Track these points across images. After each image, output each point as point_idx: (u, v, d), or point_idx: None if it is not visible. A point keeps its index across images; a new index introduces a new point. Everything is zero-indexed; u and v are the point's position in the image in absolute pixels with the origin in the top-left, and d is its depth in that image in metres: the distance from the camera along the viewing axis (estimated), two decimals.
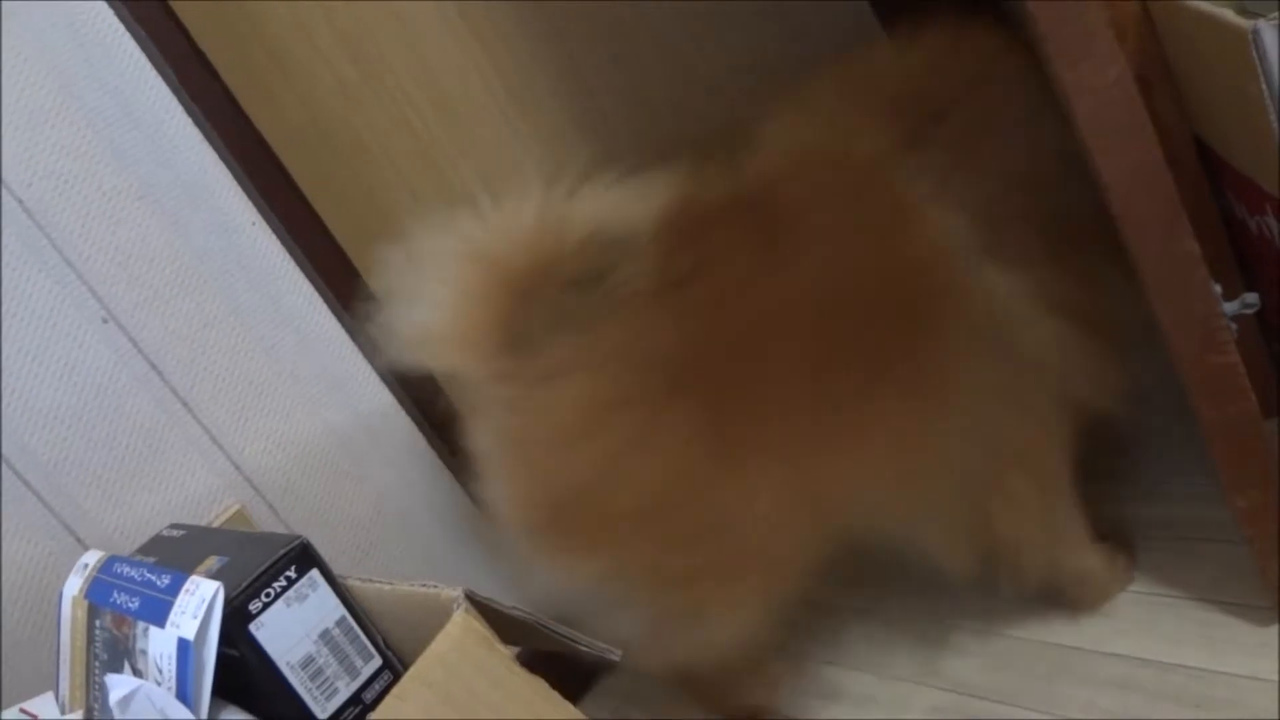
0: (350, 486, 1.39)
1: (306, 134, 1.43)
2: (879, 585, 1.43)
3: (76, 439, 1.20)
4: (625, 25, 1.71)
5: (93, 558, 0.95)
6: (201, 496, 1.27)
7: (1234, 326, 0.90)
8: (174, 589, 0.81)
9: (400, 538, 1.43)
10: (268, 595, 0.81)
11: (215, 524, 1.27)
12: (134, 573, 0.88)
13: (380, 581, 0.87)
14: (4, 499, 1.15)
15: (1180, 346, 0.91)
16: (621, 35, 1.71)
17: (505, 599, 0.84)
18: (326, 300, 1.36)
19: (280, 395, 1.33)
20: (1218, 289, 0.88)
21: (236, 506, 1.29)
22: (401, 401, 1.42)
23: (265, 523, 1.31)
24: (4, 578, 1.14)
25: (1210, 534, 1.20)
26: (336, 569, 0.90)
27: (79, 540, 1.18)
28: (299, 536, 0.83)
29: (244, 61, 1.37)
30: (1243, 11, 1.10)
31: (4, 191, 1.16)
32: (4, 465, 1.15)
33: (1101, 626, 1.19)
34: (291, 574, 0.82)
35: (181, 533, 1.01)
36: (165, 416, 1.25)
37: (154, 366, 1.25)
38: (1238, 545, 1.12)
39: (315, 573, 0.84)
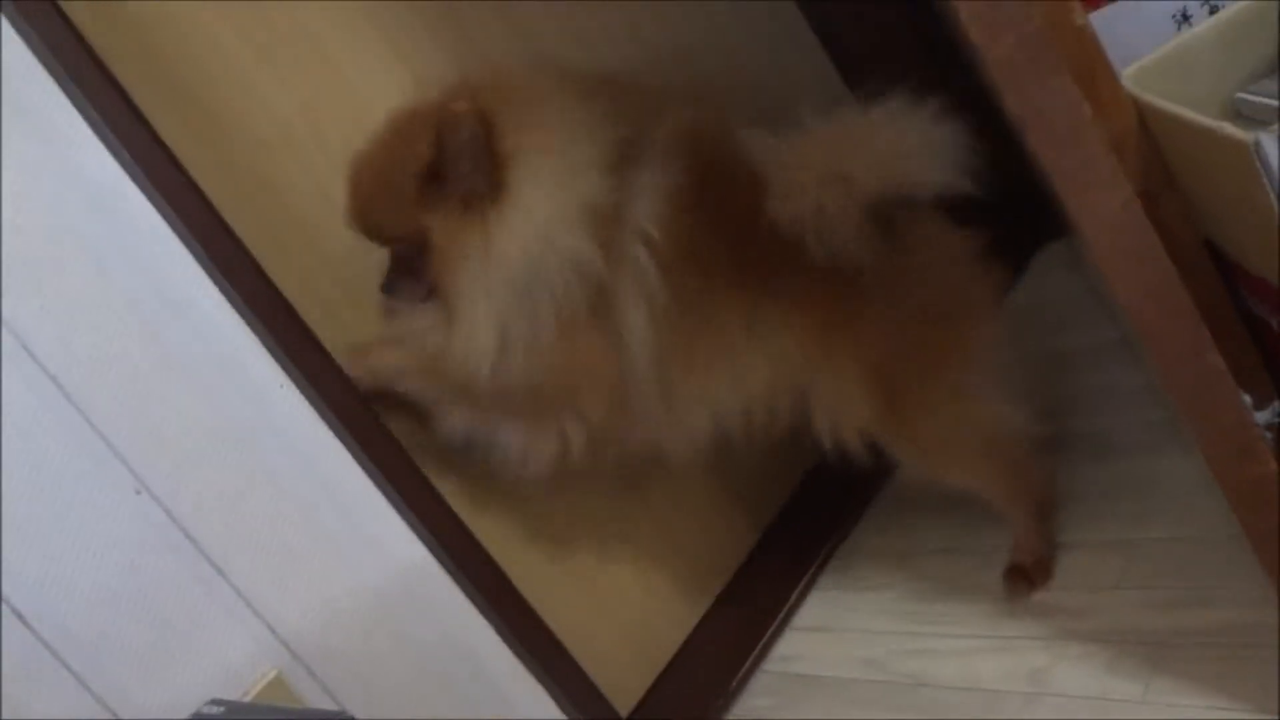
0: (389, 646, 1.38)
1: (332, 297, 1.46)
2: None
3: (114, 615, 1.20)
4: None
5: None
6: (239, 665, 1.26)
7: (1269, 435, 0.89)
8: None
9: (442, 696, 1.41)
10: None
11: (253, 692, 1.25)
12: None
13: None
14: (44, 683, 1.15)
15: (1216, 459, 0.90)
16: None
17: None
18: (357, 459, 1.37)
19: (316, 558, 1.33)
20: (1247, 400, 0.88)
21: (274, 673, 1.27)
22: (438, 556, 1.42)
23: (304, 688, 1.29)
24: None
25: (1270, 640, 1.17)
26: None
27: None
28: (344, 712, 0.82)
29: (270, 232, 1.41)
30: (1238, 110, 1.13)
31: (43, 376, 1.19)
32: (44, 649, 1.15)
33: None
34: None
35: (222, 709, 1.00)
36: (201, 586, 1.25)
37: (188, 535, 1.25)
38: None
39: None
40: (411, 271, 1.31)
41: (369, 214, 1.32)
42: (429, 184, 1.24)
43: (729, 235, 1.30)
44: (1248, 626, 1.21)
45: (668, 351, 1.29)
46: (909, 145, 1.24)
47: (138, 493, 1.24)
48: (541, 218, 1.22)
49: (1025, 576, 1.47)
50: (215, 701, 1.03)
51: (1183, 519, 1.41)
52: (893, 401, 1.35)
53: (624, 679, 1.62)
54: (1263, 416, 0.89)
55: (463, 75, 1.34)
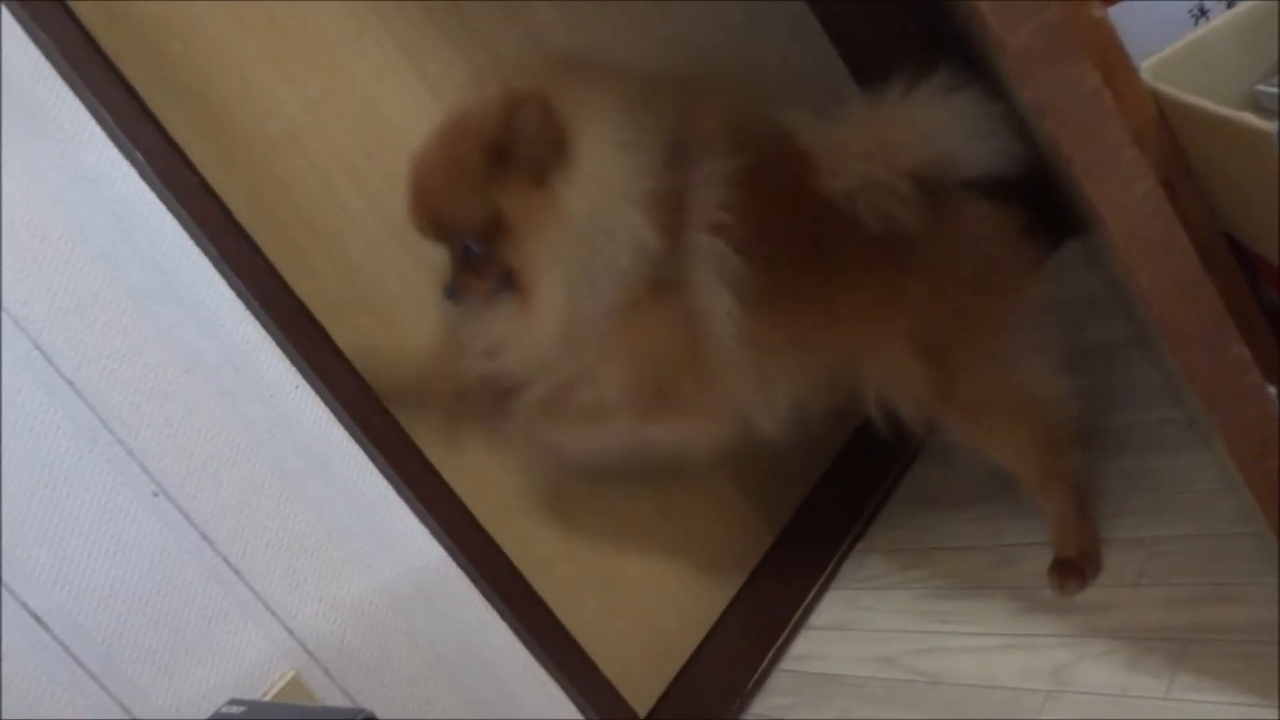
0: (404, 644, 1.37)
1: (343, 295, 1.46)
2: None
3: (131, 615, 1.20)
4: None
5: None
6: (256, 665, 1.26)
7: None
8: None
9: (457, 692, 1.40)
10: None
11: (271, 693, 1.25)
12: None
13: None
14: (60, 683, 1.15)
15: (1239, 453, 0.89)
16: None
17: None
18: (372, 458, 1.37)
19: (331, 557, 1.33)
20: (1272, 391, 0.87)
21: (291, 673, 1.27)
22: (453, 556, 1.41)
23: (320, 688, 1.29)
24: None
25: None
26: None
27: None
28: (363, 710, 0.82)
29: (280, 231, 1.41)
30: (1258, 102, 1.12)
31: (57, 375, 1.19)
32: (61, 649, 1.15)
33: None
34: None
35: (241, 709, 1.00)
36: (218, 586, 1.25)
37: (205, 537, 1.25)
38: None
39: None
40: (477, 269, 1.30)
41: (438, 202, 1.30)
42: (497, 164, 1.24)
43: (791, 216, 1.32)
44: (1270, 623, 1.20)
45: (754, 332, 1.30)
46: (951, 124, 1.29)
47: (155, 495, 1.24)
48: (605, 186, 1.23)
49: (1074, 570, 1.44)
50: (235, 701, 1.02)
51: (1203, 515, 1.40)
52: (936, 367, 1.37)
53: (641, 678, 1.61)
54: None
55: (518, 65, 1.37)
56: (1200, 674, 1.20)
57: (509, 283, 1.28)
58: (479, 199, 1.26)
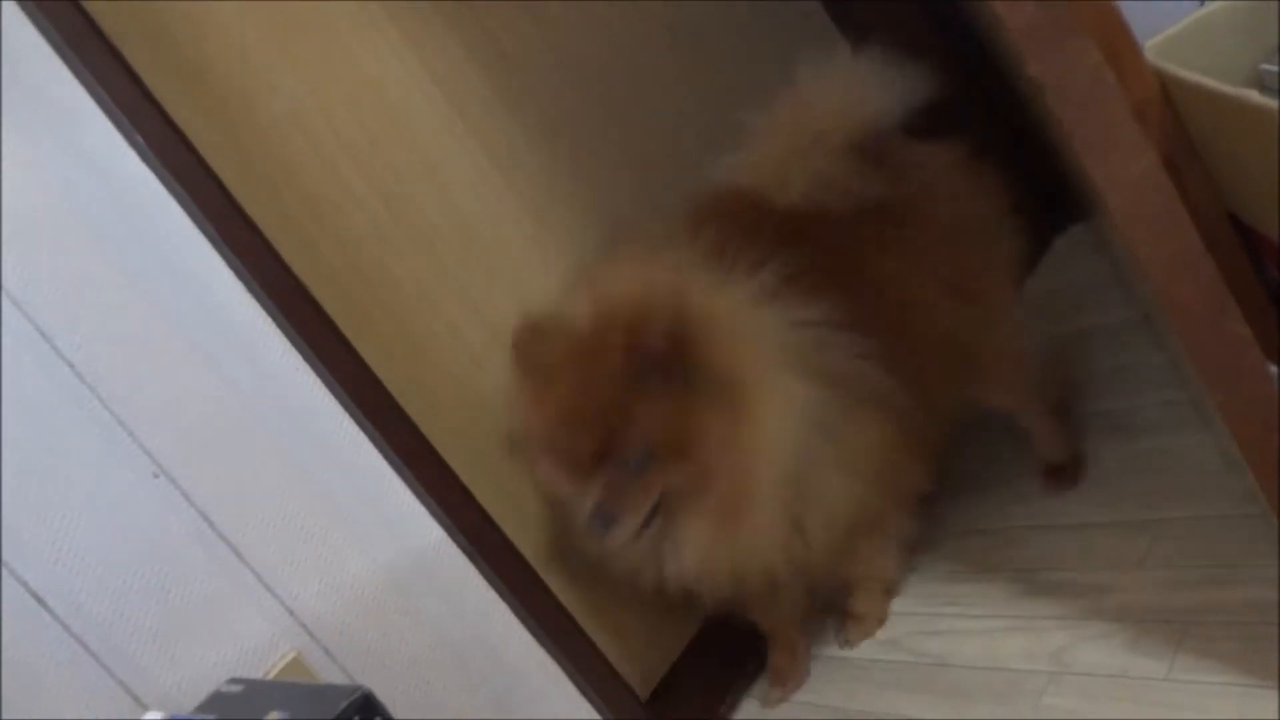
0: (404, 624, 1.38)
1: (343, 275, 1.46)
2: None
3: (131, 595, 1.20)
4: (648, 152, 1.76)
5: (154, 719, 0.94)
6: (257, 645, 1.26)
7: None
8: None
9: (458, 672, 1.41)
10: None
11: (272, 673, 1.26)
12: None
13: None
14: (59, 662, 1.15)
15: (1239, 431, 0.89)
16: (642, 161, 1.76)
17: None
18: (371, 437, 1.37)
19: (331, 537, 1.33)
20: (1274, 369, 0.86)
21: (293, 654, 1.27)
22: (454, 537, 1.41)
23: (321, 668, 1.29)
24: None
25: None
26: (395, 711, 0.88)
27: (137, 700, 1.17)
28: (360, 687, 0.82)
29: (281, 212, 1.41)
30: (1262, 81, 1.11)
31: (55, 355, 1.19)
32: (61, 629, 1.15)
33: None
34: None
35: (241, 687, 1.00)
36: (218, 567, 1.25)
37: (205, 517, 1.25)
38: None
39: None
40: (630, 489, 1.24)
41: (608, 411, 1.22)
42: (661, 372, 1.21)
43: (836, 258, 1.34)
44: (1271, 604, 1.20)
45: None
46: (857, 87, 1.35)
47: (155, 476, 1.24)
48: (784, 372, 1.24)
49: (1064, 472, 1.56)
50: (234, 680, 1.02)
51: (1205, 497, 1.40)
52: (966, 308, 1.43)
53: (643, 660, 1.62)
54: None
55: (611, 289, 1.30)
56: (1201, 655, 1.20)
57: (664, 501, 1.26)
58: (662, 409, 1.22)
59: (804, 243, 1.30)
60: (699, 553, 1.29)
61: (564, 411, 1.25)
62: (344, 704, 0.80)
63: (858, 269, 1.33)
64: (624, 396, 1.22)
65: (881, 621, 1.53)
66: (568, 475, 1.28)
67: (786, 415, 1.23)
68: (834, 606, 1.57)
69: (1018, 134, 2.00)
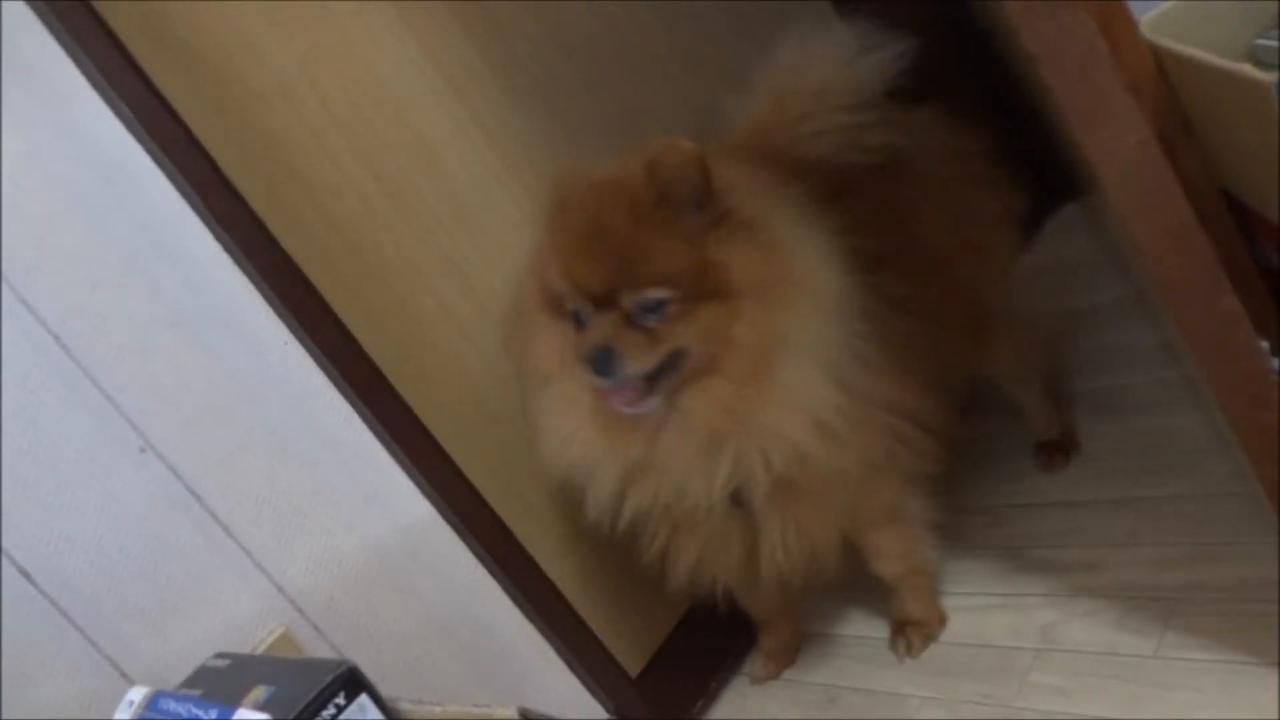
0: (394, 600, 1.37)
1: (333, 252, 1.44)
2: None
3: (119, 571, 1.20)
4: (642, 125, 1.74)
5: (138, 694, 0.93)
6: (246, 621, 1.26)
7: None
8: None
9: (447, 649, 1.41)
10: None
11: (261, 648, 1.25)
12: (180, 708, 0.86)
13: (432, 703, 0.85)
14: (46, 637, 1.14)
15: (1230, 407, 0.88)
16: (636, 134, 1.74)
17: (559, 710, 0.82)
18: (361, 414, 1.36)
19: (320, 513, 1.32)
20: (1265, 345, 0.86)
21: (281, 629, 1.27)
22: (441, 511, 1.41)
23: (310, 643, 1.29)
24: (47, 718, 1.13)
25: (1276, 595, 1.16)
26: (384, 688, 0.88)
27: (124, 675, 1.17)
28: (346, 661, 0.82)
29: (269, 186, 1.39)
30: (1257, 56, 1.10)
31: (41, 329, 1.18)
32: (48, 603, 1.14)
33: (1180, 699, 1.14)
34: (340, 701, 0.80)
35: (227, 662, 0.99)
36: (206, 542, 1.25)
37: (193, 493, 1.25)
38: None
39: (365, 698, 0.82)
40: (634, 339, 1.14)
41: (628, 240, 1.15)
42: (698, 213, 1.16)
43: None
44: (1259, 582, 1.20)
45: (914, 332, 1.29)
46: (853, 56, 1.37)
47: (142, 450, 1.23)
48: (828, 252, 1.19)
49: (1058, 449, 1.58)
50: (221, 655, 1.02)
51: (1194, 476, 1.40)
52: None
53: (634, 636, 1.61)
54: None
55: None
56: (1189, 632, 1.20)
57: (675, 363, 1.16)
58: (681, 243, 1.15)
59: (827, 192, 1.28)
60: (710, 421, 1.17)
61: (582, 238, 1.18)
62: (329, 678, 0.80)
63: (882, 221, 1.30)
64: (645, 229, 1.15)
65: (943, 622, 1.45)
66: (575, 323, 1.19)
67: (822, 272, 1.17)
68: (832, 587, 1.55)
69: (1010, 115, 2.00)
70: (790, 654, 1.58)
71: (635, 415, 1.18)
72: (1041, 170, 2.01)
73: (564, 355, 1.20)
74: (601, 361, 1.13)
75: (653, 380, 1.16)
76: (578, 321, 1.20)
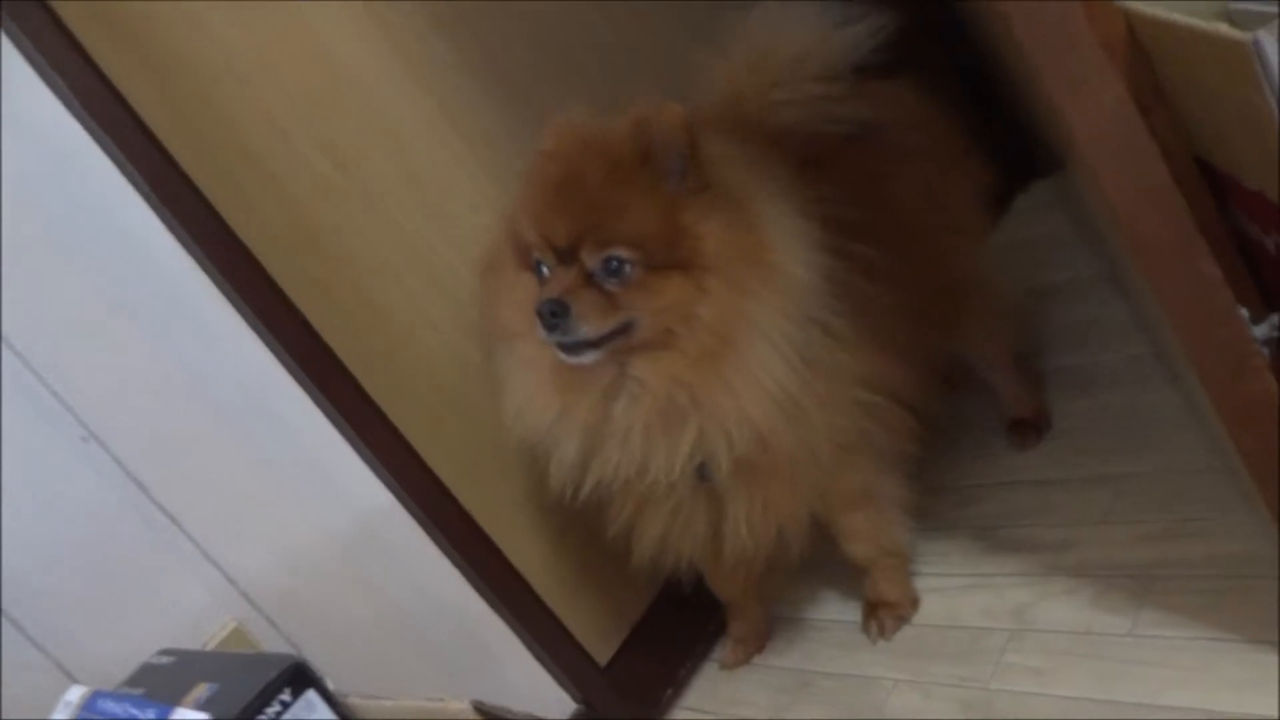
0: (353, 591, 1.33)
1: (286, 234, 1.39)
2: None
3: (61, 565, 1.15)
4: (604, 104, 1.70)
5: (76, 694, 0.89)
6: (196, 616, 1.21)
7: (1266, 351, 0.85)
8: None
9: (409, 641, 1.37)
10: None
11: (212, 644, 1.21)
12: (118, 708, 0.82)
13: (384, 698, 0.81)
14: None
15: (1209, 376, 0.86)
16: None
17: (520, 701, 0.78)
18: (316, 400, 1.32)
19: (273, 503, 1.28)
20: (1244, 313, 0.84)
21: (233, 624, 1.23)
22: (401, 499, 1.37)
23: (265, 638, 1.25)
24: None
25: (1259, 570, 1.14)
26: (343, 682, 0.84)
27: (67, 674, 1.12)
28: (292, 656, 0.78)
29: (219, 167, 1.34)
30: (1232, 21, 1.07)
31: None
32: None
33: (1157, 677, 1.12)
34: (286, 697, 0.77)
35: (171, 659, 0.95)
36: (154, 535, 1.20)
37: (138, 483, 1.20)
38: None
39: (312, 694, 0.78)
40: (592, 297, 1.12)
41: (598, 195, 1.13)
42: (672, 178, 1.13)
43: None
44: (1235, 557, 1.18)
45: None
46: (824, 27, 1.34)
47: (84, 440, 1.18)
48: (802, 231, 1.16)
49: (1030, 426, 1.55)
50: (165, 651, 0.98)
51: (1168, 451, 1.38)
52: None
53: (601, 624, 1.58)
54: (1260, 331, 0.84)
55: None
56: (1165, 610, 1.18)
57: (624, 331, 1.14)
58: (656, 207, 1.12)
59: (799, 161, 1.26)
60: (664, 394, 1.14)
61: (556, 188, 1.16)
62: (273, 674, 0.76)
63: (854, 191, 1.26)
64: (621, 187, 1.13)
65: (916, 604, 1.42)
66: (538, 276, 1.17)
67: (798, 255, 1.15)
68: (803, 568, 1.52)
69: (979, 94, 1.98)
70: (760, 639, 1.56)
71: (576, 366, 1.16)
72: (1010, 148, 2.00)
73: (528, 312, 1.16)
74: (552, 316, 1.11)
75: (596, 344, 1.14)
76: (540, 275, 1.18)
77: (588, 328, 1.12)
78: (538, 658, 1.48)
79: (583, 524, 1.52)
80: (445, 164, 1.57)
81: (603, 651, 1.57)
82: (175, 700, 0.78)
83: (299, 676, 0.77)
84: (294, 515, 1.29)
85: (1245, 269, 1.10)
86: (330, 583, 1.32)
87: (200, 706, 0.76)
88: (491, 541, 1.46)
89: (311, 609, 1.29)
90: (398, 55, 1.54)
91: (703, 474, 1.22)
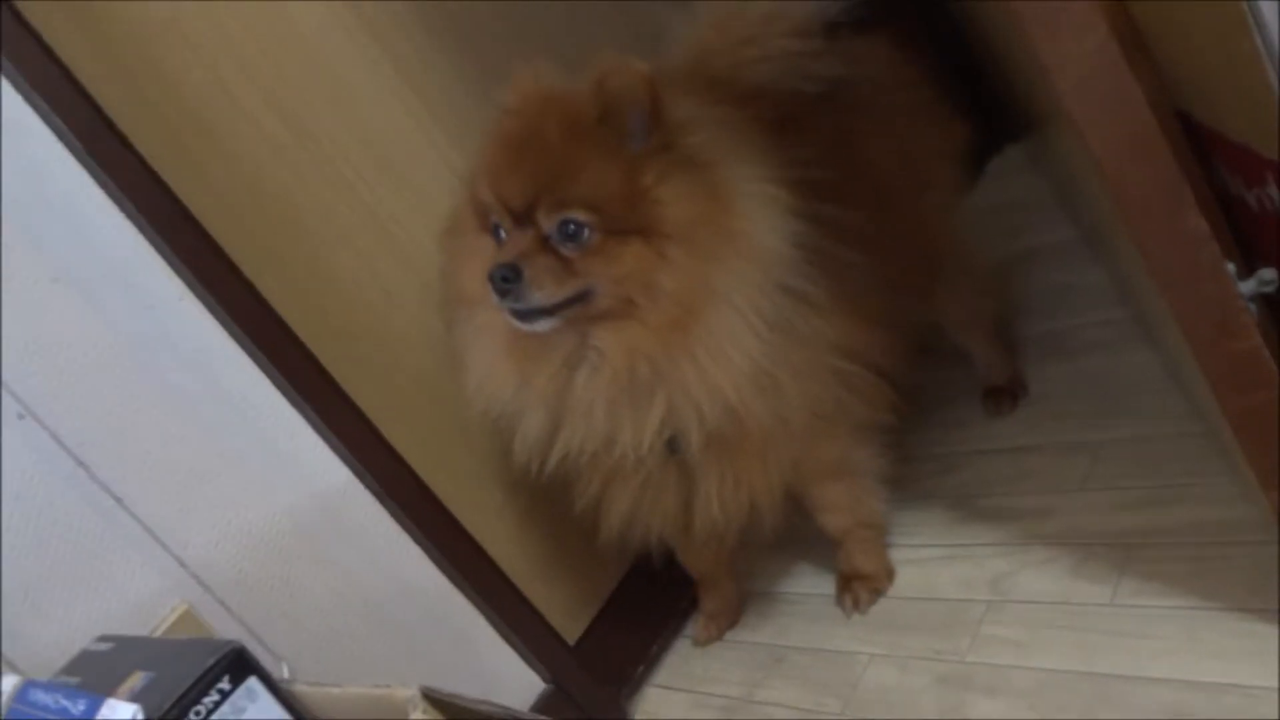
0: (310, 572, 1.28)
1: (235, 200, 1.33)
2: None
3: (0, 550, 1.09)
4: (569, 66, 1.65)
5: (8, 685, 0.84)
6: (144, 600, 1.16)
7: (1253, 308, 0.81)
8: (89, 715, 0.71)
9: (369, 622, 1.32)
10: (198, 713, 0.70)
11: (161, 628, 1.16)
12: (49, 699, 0.77)
13: (329, 685, 0.77)
14: None
15: (1194, 333, 0.82)
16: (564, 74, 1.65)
17: (477, 685, 0.74)
18: (268, 373, 1.27)
19: (224, 480, 1.23)
20: (1231, 268, 0.80)
21: (184, 607, 1.17)
22: (359, 475, 1.32)
23: (217, 621, 1.20)
24: None
25: (1242, 535, 1.11)
26: (302, 664, 0.79)
27: (7, 662, 1.06)
28: (231, 642, 0.73)
29: (161, 129, 1.28)
30: None
31: None
32: None
33: (1138, 648, 1.09)
34: (225, 685, 0.72)
35: (110, 645, 0.91)
36: (97, 515, 1.15)
37: (80, 462, 1.14)
38: (1273, 545, 1.04)
39: (254, 681, 0.74)
40: (546, 262, 1.08)
41: (559, 155, 1.09)
42: (637, 140, 1.09)
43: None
44: (1217, 523, 1.16)
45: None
46: None
47: (21, 417, 1.12)
48: (772, 196, 1.11)
49: (1005, 393, 1.54)
50: (104, 637, 0.93)
51: (1147, 417, 1.35)
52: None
53: (571, 602, 1.54)
54: (1248, 286, 0.81)
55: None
56: (1146, 578, 1.16)
57: (580, 299, 1.09)
58: (616, 169, 1.08)
59: (770, 120, 1.21)
60: (627, 366, 1.09)
61: (514, 148, 1.12)
62: (210, 661, 0.71)
63: (827, 151, 1.21)
64: (580, 147, 1.09)
65: (891, 575, 1.40)
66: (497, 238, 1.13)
67: (766, 223, 1.10)
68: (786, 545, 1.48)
69: (953, 58, 1.95)
70: (733, 614, 1.52)
71: (531, 333, 1.12)
72: (983, 112, 1.96)
73: (485, 277, 1.11)
74: (504, 281, 1.06)
75: (550, 311, 1.09)
76: (497, 238, 1.13)
77: (541, 294, 1.07)
78: (505, 637, 1.44)
79: (550, 499, 1.48)
80: (405, 128, 1.51)
81: (572, 630, 1.53)
82: (109, 690, 0.73)
83: (239, 663, 0.72)
84: (246, 494, 1.24)
85: (1227, 225, 1.07)
86: (287, 563, 1.26)
87: (134, 697, 0.71)
88: (455, 519, 1.41)
89: (267, 591, 1.24)
90: (352, 13, 1.48)
91: (673, 447, 1.18)
